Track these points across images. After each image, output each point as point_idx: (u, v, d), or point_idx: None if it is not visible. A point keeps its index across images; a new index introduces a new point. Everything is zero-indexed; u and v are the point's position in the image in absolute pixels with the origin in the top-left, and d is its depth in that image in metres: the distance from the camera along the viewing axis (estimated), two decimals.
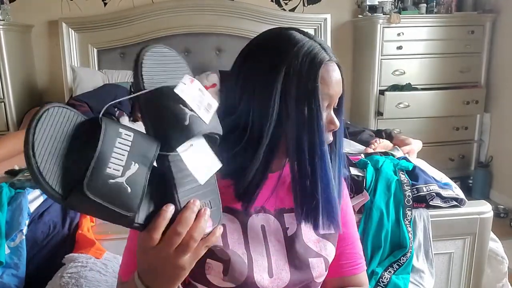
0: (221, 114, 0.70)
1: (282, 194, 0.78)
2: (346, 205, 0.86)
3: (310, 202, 0.71)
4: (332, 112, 0.73)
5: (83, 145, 0.47)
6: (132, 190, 0.48)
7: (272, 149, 0.69)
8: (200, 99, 0.54)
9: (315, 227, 0.74)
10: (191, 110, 0.53)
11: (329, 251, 0.79)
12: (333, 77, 0.70)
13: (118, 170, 0.47)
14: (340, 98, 0.74)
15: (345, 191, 0.87)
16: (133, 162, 0.49)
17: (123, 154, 0.48)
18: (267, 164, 0.70)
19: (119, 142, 0.48)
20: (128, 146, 0.49)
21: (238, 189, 0.71)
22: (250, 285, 0.71)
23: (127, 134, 0.49)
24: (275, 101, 0.66)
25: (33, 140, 0.44)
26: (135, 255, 0.62)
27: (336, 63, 0.71)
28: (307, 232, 0.78)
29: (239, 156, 0.69)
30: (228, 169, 0.66)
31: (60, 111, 0.48)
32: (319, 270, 0.77)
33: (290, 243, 0.76)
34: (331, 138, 0.74)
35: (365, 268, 0.87)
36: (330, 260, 0.79)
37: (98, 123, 0.49)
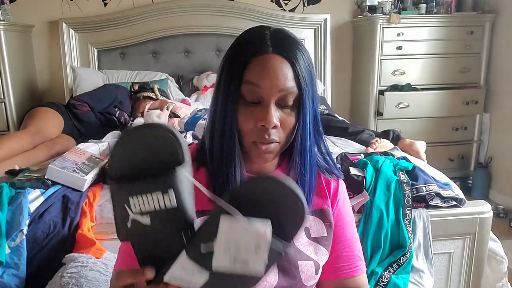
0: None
1: None
2: (344, 208, 0.85)
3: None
4: (270, 108, 0.67)
5: (148, 167, 0.51)
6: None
7: (231, 143, 0.70)
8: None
9: None
10: None
11: (320, 254, 0.78)
12: (266, 68, 0.67)
13: (137, 210, 0.51)
14: (298, 99, 0.69)
15: (344, 192, 0.86)
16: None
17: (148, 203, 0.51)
18: (232, 158, 0.71)
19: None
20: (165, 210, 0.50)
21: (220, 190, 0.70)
22: None
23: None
24: (218, 96, 0.71)
25: (130, 134, 0.53)
26: (129, 257, 0.66)
27: (286, 58, 0.68)
28: (298, 235, 0.77)
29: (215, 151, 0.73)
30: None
31: (165, 134, 0.52)
32: (308, 273, 0.76)
33: None
34: (268, 136, 0.68)
35: (365, 269, 0.86)
36: (322, 264, 0.78)
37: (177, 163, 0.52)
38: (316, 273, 0.77)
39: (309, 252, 0.77)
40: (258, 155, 0.71)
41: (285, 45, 0.69)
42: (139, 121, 2.09)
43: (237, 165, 0.71)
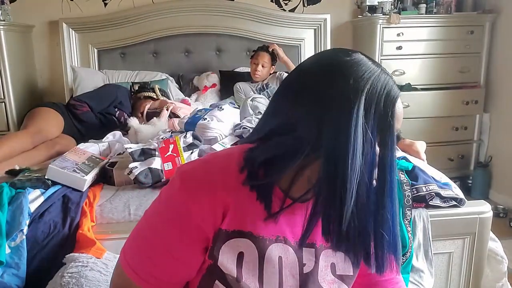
0: (269, 127, 0.69)
1: None
2: None
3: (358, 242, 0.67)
4: None
5: None
6: None
7: (303, 170, 0.66)
8: None
9: (378, 271, 0.70)
10: None
11: None
12: (401, 113, 0.69)
13: None
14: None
15: None
16: None
17: None
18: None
19: None
20: None
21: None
22: None
23: None
24: (356, 130, 0.61)
25: None
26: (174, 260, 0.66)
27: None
28: (322, 271, 0.74)
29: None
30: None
31: None
32: None
33: (305, 281, 0.72)
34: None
35: (402, 280, 0.86)
36: None
37: None
38: None
39: None
40: None
41: None
42: (134, 121, 2.08)
43: None
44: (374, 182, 0.66)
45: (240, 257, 0.68)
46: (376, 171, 0.65)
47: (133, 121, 2.07)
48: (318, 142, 0.62)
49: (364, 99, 0.62)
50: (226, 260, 0.67)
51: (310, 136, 0.62)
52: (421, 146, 1.90)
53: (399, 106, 0.67)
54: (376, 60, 2.83)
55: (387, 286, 0.83)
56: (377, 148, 0.65)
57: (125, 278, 0.68)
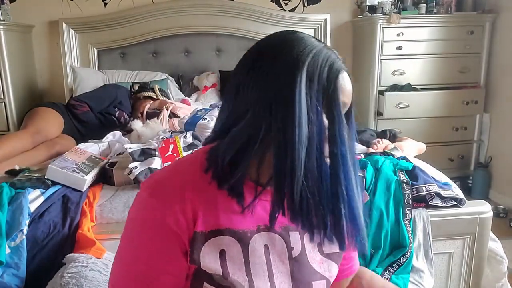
0: (224, 120, 0.69)
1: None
2: None
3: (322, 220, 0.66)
4: None
5: None
6: None
7: (264, 155, 0.65)
8: None
9: (340, 247, 0.70)
10: None
11: (333, 272, 0.77)
12: (347, 86, 0.69)
13: None
14: (349, 110, 0.70)
15: None
16: None
17: None
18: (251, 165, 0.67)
19: None
20: None
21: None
22: None
23: None
24: (300, 100, 0.62)
25: None
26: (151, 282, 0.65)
27: (347, 72, 0.70)
28: (311, 252, 0.74)
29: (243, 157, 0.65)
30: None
31: None
32: None
33: (295, 265, 0.72)
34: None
35: (358, 265, 0.87)
36: (332, 281, 0.77)
37: None
38: None
39: (323, 270, 0.75)
40: None
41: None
42: (137, 123, 2.08)
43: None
44: (328, 160, 0.65)
45: (222, 254, 0.67)
46: (327, 146, 0.64)
47: (137, 124, 2.05)
48: (270, 120, 0.63)
49: (306, 70, 0.63)
50: (209, 261, 0.66)
51: (263, 116, 0.63)
52: (408, 146, 1.88)
53: (344, 81, 0.68)
54: (376, 60, 2.84)
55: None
56: (325, 121, 0.64)
57: None
